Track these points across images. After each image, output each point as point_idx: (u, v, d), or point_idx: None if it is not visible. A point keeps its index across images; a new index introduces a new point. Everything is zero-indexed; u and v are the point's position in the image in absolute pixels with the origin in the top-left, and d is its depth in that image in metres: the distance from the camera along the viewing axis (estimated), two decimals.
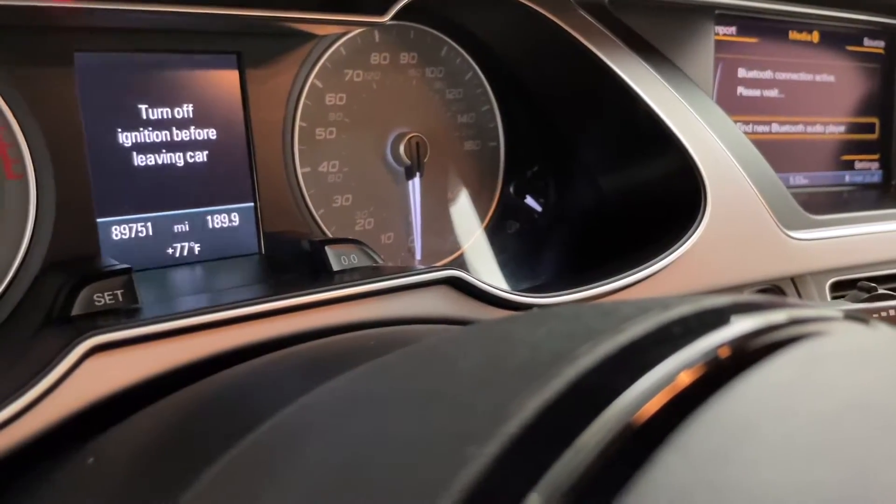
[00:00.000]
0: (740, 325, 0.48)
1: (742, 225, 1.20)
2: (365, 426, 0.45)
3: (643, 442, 0.36)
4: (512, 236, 1.35)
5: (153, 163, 1.11)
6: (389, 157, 1.26)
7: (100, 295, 0.90)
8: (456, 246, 1.33)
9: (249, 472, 0.46)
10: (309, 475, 0.42)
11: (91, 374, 0.77)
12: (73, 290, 0.90)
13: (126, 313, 0.89)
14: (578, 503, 0.32)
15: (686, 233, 1.11)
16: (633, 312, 0.50)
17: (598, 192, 1.30)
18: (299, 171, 1.19)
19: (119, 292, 0.91)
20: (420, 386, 0.47)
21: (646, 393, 0.40)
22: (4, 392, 0.73)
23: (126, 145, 1.09)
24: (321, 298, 0.91)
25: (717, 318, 0.48)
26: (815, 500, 0.28)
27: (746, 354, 0.45)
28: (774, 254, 1.23)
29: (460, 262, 1.25)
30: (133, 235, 1.09)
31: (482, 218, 1.34)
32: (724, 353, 0.43)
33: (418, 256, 1.26)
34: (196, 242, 1.13)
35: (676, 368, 0.41)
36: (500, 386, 0.45)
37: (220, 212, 1.14)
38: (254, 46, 1.14)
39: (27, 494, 0.70)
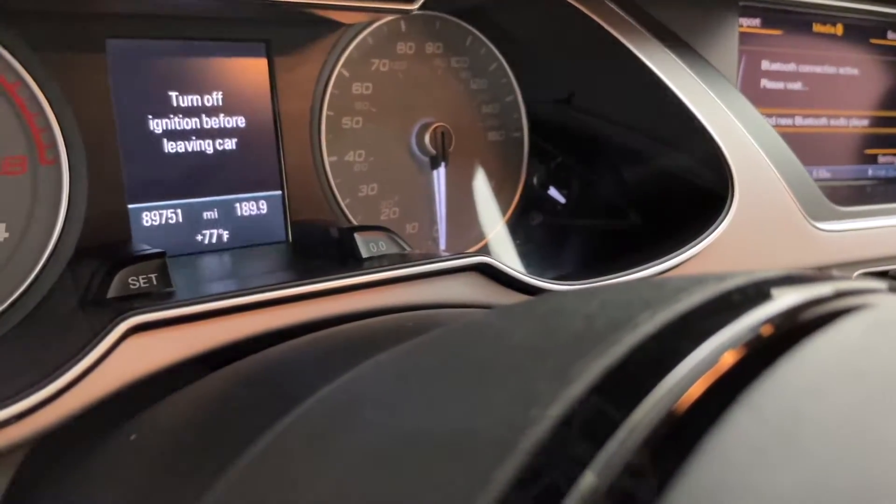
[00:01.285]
0: (793, 297, 0.48)
1: (769, 215, 1.20)
2: (428, 393, 0.45)
3: (712, 403, 0.36)
4: (535, 227, 1.35)
5: (183, 150, 1.12)
6: (414, 147, 1.27)
7: (135, 278, 0.91)
8: (480, 236, 1.33)
9: (309, 440, 0.47)
10: (373, 440, 0.43)
11: (130, 354, 0.78)
12: (108, 273, 0.91)
13: (160, 296, 0.90)
14: (652, 462, 0.33)
15: (713, 223, 1.11)
16: (685, 284, 0.50)
17: (622, 182, 1.30)
18: (326, 160, 1.19)
19: (153, 276, 0.92)
20: (479, 355, 0.48)
21: (709, 358, 0.40)
22: (46, 370, 0.75)
23: (157, 132, 1.10)
24: (352, 283, 0.91)
25: (768, 289, 0.48)
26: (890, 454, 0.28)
27: (803, 323, 0.45)
28: (801, 245, 1.23)
29: (484, 253, 1.26)
30: (163, 222, 1.10)
31: (506, 209, 1.35)
32: (782, 321, 0.44)
33: (442, 246, 1.27)
34: (224, 230, 1.14)
35: (739, 335, 0.41)
36: (559, 353, 0.45)
37: (248, 199, 1.15)
38: (282, 35, 1.15)
39: (73, 470, 0.71)
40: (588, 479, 0.29)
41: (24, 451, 0.79)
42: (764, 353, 0.40)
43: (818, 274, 0.57)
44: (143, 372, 0.81)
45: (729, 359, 0.40)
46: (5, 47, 0.93)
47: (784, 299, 0.46)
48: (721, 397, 0.36)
